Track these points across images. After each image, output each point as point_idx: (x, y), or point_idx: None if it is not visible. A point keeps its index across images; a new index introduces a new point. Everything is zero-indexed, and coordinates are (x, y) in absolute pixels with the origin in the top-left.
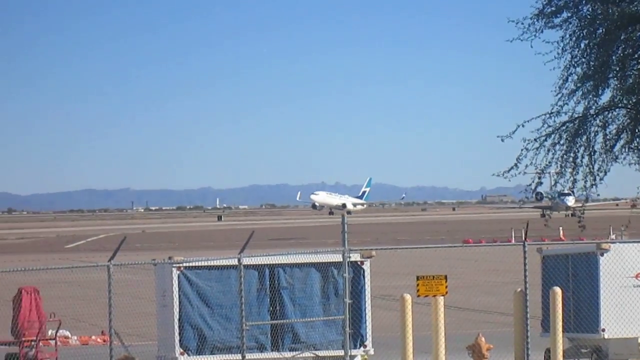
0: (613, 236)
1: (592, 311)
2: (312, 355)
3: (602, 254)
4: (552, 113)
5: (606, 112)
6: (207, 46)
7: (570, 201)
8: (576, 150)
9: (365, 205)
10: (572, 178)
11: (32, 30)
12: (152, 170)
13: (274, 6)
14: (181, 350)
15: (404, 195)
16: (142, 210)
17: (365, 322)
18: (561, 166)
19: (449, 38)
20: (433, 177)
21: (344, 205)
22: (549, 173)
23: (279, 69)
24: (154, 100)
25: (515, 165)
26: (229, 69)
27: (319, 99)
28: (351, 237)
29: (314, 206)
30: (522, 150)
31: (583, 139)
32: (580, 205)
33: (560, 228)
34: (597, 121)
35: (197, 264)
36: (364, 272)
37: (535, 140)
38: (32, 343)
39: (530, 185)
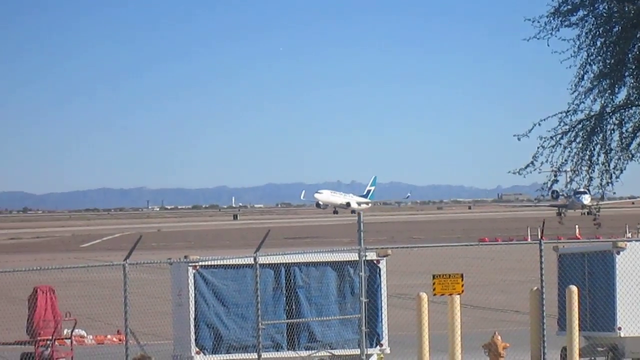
0: (629, 234)
1: (608, 309)
2: (328, 354)
3: (618, 253)
4: (568, 111)
5: (622, 110)
6: (220, 43)
7: (586, 199)
8: (592, 149)
9: (369, 204)
10: (588, 176)
11: (43, 26)
12: (167, 169)
13: (287, 1)
14: (197, 350)
15: (408, 194)
16: (158, 209)
17: (382, 321)
18: (577, 164)
19: (465, 37)
20: (449, 176)
21: (348, 204)
22: (565, 171)
23: (295, 67)
24: (169, 98)
25: (532, 163)
26: (244, 66)
27: (335, 97)
28: (367, 235)
29: (317, 205)
30: (538, 148)
31: (599, 137)
32: (596, 203)
33: (577, 226)
34: (613, 119)
35: (213, 262)
36: (380, 270)
37: (551, 138)
38: (48, 342)
39: (546, 183)
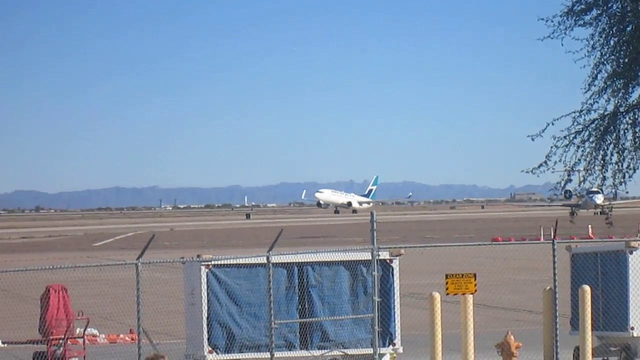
0: None
1: (621, 309)
2: (340, 353)
3: (631, 252)
4: (581, 111)
5: (636, 110)
6: (233, 41)
7: (599, 199)
8: (605, 148)
9: (371, 204)
10: (601, 175)
11: (46, 24)
12: (180, 168)
13: None
14: (210, 349)
15: (410, 194)
16: (171, 208)
17: (394, 321)
18: (590, 163)
19: (479, 37)
20: (462, 176)
21: (349, 204)
22: (578, 170)
23: (310, 66)
24: (183, 97)
25: (545, 162)
26: (259, 65)
27: (349, 96)
28: (380, 235)
29: (318, 204)
30: (551, 147)
31: (612, 137)
32: (608, 203)
33: (589, 226)
34: (627, 119)
35: (225, 262)
36: (392, 270)
37: (564, 137)
38: (60, 341)
39: (559, 182)
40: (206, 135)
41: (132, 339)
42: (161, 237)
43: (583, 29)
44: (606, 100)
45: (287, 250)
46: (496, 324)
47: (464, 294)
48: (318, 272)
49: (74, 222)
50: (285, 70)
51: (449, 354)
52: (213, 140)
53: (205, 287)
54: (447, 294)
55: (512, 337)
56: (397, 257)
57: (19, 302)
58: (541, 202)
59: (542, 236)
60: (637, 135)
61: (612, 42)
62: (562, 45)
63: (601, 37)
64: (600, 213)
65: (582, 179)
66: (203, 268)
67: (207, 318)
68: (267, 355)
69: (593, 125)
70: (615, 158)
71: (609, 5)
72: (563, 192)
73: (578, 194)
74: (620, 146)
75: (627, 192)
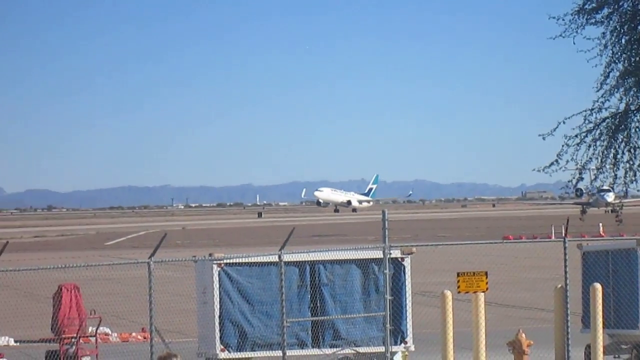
0: None
1: (632, 307)
2: (352, 351)
3: None
4: (593, 109)
5: None
6: (242, 39)
7: (610, 197)
8: (617, 147)
9: (371, 203)
10: (612, 174)
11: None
12: (192, 167)
13: None
14: (222, 347)
15: (410, 192)
16: (182, 207)
17: (406, 319)
18: (601, 162)
19: (491, 34)
20: (473, 174)
21: (349, 202)
22: (589, 169)
23: (323, 64)
24: (194, 96)
25: (556, 161)
26: (269, 63)
27: (361, 94)
28: (391, 233)
29: (318, 203)
30: (562, 146)
31: (624, 135)
32: (619, 201)
33: (600, 224)
34: (638, 117)
35: (237, 260)
36: (404, 268)
37: (576, 136)
38: (73, 340)
39: (570, 181)
40: (218, 133)
41: (145, 338)
42: (173, 236)
43: (594, 28)
44: (619, 100)
45: (299, 248)
46: (507, 322)
47: (475, 292)
48: (330, 270)
49: (86, 221)
50: (297, 69)
51: (461, 352)
52: (224, 138)
53: (217, 285)
54: (459, 292)
55: (523, 335)
56: (409, 256)
57: (32, 301)
58: (552, 201)
59: (553, 234)
60: None
61: (623, 41)
62: (574, 44)
63: (612, 35)
64: (611, 211)
65: (593, 177)
66: (215, 267)
67: (219, 316)
68: (279, 353)
69: (604, 124)
70: (626, 156)
71: (620, 3)
72: (574, 191)
73: (589, 192)
74: (631, 144)
75: (638, 191)
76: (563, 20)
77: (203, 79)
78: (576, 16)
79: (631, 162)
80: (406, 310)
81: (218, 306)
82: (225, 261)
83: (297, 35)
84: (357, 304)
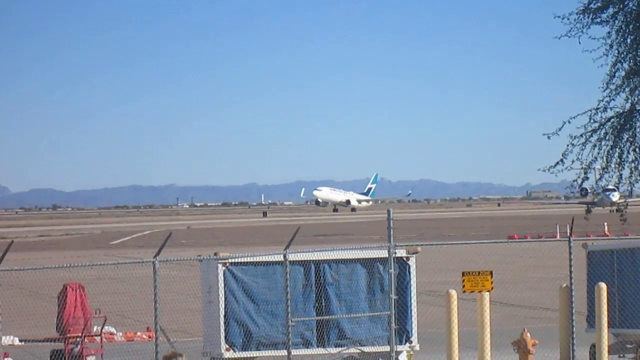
0: None
1: (637, 306)
2: (357, 351)
3: None
4: (598, 109)
5: None
6: (247, 39)
7: (615, 196)
8: (622, 146)
9: (370, 202)
10: (617, 173)
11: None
12: (197, 166)
13: None
14: (227, 346)
15: (410, 191)
16: (187, 206)
17: (411, 318)
18: (607, 161)
19: (496, 34)
20: (478, 173)
21: (348, 202)
22: (594, 168)
23: (329, 62)
24: (198, 98)
25: (561, 160)
26: (273, 62)
27: (367, 94)
28: (396, 233)
29: (317, 202)
30: (567, 145)
31: (629, 134)
32: (624, 200)
33: (605, 223)
34: None
35: (242, 260)
36: (409, 267)
37: (581, 135)
38: (78, 339)
39: (576, 180)
40: (223, 133)
41: (150, 337)
42: (178, 235)
43: (600, 27)
44: (624, 99)
45: (304, 248)
46: (512, 322)
47: (480, 291)
48: (335, 269)
49: (91, 220)
50: (303, 67)
51: (466, 351)
52: (230, 138)
53: (222, 284)
54: (464, 291)
55: (528, 334)
56: (414, 255)
57: (37, 300)
58: (557, 200)
59: (558, 234)
60: None
61: (628, 40)
62: (580, 43)
63: (618, 35)
64: (616, 211)
65: (598, 176)
66: (220, 266)
67: (224, 316)
68: (284, 352)
69: (609, 124)
70: (631, 156)
71: (625, 3)
72: (579, 190)
73: (594, 192)
74: (636, 144)
75: None
76: (568, 19)
77: (209, 78)
78: (581, 15)
79: (636, 162)
80: (411, 310)
81: (223, 305)
82: (230, 260)
83: (304, 33)
84: (362, 303)
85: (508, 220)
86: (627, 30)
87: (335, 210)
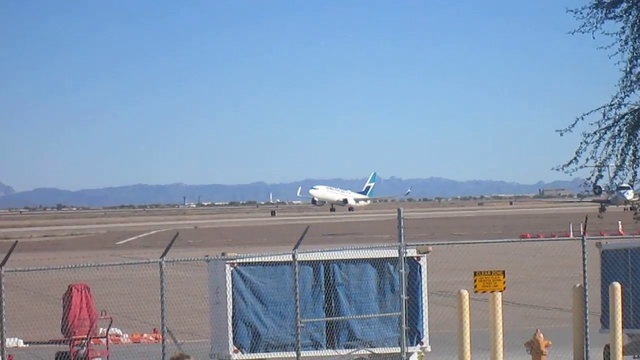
0: None
1: None
2: (368, 352)
3: None
4: (612, 105)
5: None
6: (255, 39)
7: (630, 195)
8: (636, 143)
9: (368, 201)
10: (632, 171)
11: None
12: (204, 165)
13: None
14: (235, 348)
15: (409, 190)
16: (194, 205)
17: (422, 319)
18: (621, 159)
19: (508, 30)
20: (490, 171)
21: (345, 201)
22: (608, 166)
23: (333, 60)
24: (205, 96)
25: (575, 159)
26: (280, 61)
27: (375, 92)
28: (407, 232)
29: (313, 201)
30: (581, 143)
31: None
32: (638, 198)
33: (619, 222)
34: None
35: (250, 260)
36: (420, 267)
37: (594, 133)
38: (83, 341)
39: (589, 178)
40: (231, 131)
41: (156, 339)
42: (185, 235)
43: (613, 23)
44: None
45: (313, 247)
46: (525, 322)
47: (492, 291)
48: (344, 269)
49: (96, 220)
50: (311, 65)
51: (478, 352)
52: (237, 136)
53: (230, 285)
54: (476, 291)
55: (541, 335)
56: (425, 255)
57: (41, 302)
58: (570, 198)
59: (571, 232)
60: None
61: None
62: (594, 38)
63: (632, 30)
64: (630, 209)
65: (612, 174)
66: (228, 266)
67: (232, 317)
68: (293, 354)
69: (623, 120)
70: None
71: None
72: (593, 188)
73: (608, 190)
74: None
75: None
76: (581, 13)
77: (216, 76)
78: (595, 10)
79: None
80: (422, 310)
81: (231, 306)
82: (238, 261)
83: (313, 30)
84: (373, 304)
85: (520, 219)
86: None
87: (332, 209)
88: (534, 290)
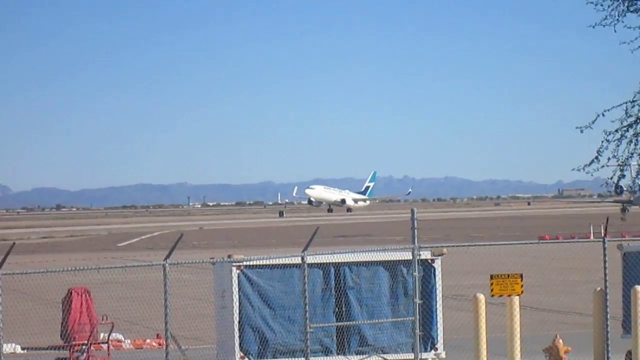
0: None
1: None
2: (380, 358)
3: None
4: (634, 101)
5: None
6: (260, 41)
7: None
8: None
9: (367, 202)
10: None
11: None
12: (209, 163)
13: None
14: (241, 354)
15: (410, 190)
16: (199, 206)
17: (436, 324)
18: None
19: (526, 26)
20: (507, 171)
21: (343, 201)
22: (631, 165)
23: (342, 58)
24: (212, 92)
25: (596, 158)
26: (286, 58)
27: (385, 91)
28: (421, 233)
29: (309, 202)
30: (602, 142)
31: None
32: None
33: None
34: None
35: (258, 262)
36: (434, 270)
37: (616, 131)
38: (83, 347)
39: (611, 178)
40: (237, 128)
41: (160, 345)
42: (190, 237)
43: (636, 17)
44: None
45: (323, 249)
46: (544, 327)
47: (509, 295)
48: (356, 272)
49: (97, 221)
50: (320, 63)
51: (494, 358)
52: (244, 134)
53: (237, 289)
54: (492, 295)
55: (560, 340)
56: (439, 257)
57: (40, 306)
58: (591, 199)
59: (591, 234)
60: None
61: None
62: (615, 32)
63: None
64: None
65: (635, 174)
66: (234, 269)
67: (239, 322)
68: None
69: None
70: None
71: None
72: (614, 188)
73: (630, 190)
74: None
75: None
76: (602, 6)
77: (222, 70)
78: (616, 2)
79: None
80: (436, 315)
81: (237, 311)
82: (245, 263)
83: (321, 29)
84: (385, 308)
85: (539, 220)
86: None
87: (329, 210)
88: (552, 294)
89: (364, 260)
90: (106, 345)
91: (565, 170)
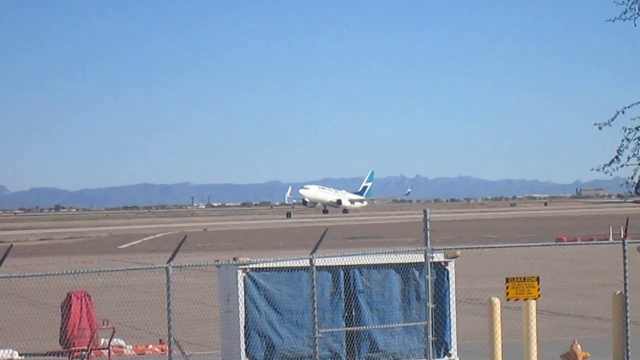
0: None
1: None
2: None
3: None
4: None
5: None
6: (267, 39)
7: None
8: None
9: (364, 203)
10: None
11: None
12: (214, 162)
13: None
14: None
15: (409, 190)
16: (204, 206)
17: (450, 329)
18: None
19: (542, 23)
20: (523, 170)
21: (339, 202)
22: None
23: (352, 56)
24: (216, 90)
25: (617, 157)
26: (292, 58)
27: (398, 89)
28: (434, 235)
29: (304, 202)
30: (622, 141)
31: None
32: None
33: None
34: None
35: (264, 265)
36: (448, 273)
37: (636, 128)
38: (83, 353)
39: (632, 177)
40: (242, 128)
41: (162, 350)
42: (194, 238)
43: None
44: None
45: (332, 252)
46: (561, 332)
47: (526, 299)
48: (366, 275)
49: (97, 222)
50: (326, 61)
51: None
52: (250, 132)
53: (243, 292)
54: (508, 299)
55: (579, 346)
56: (453, 259)
57: (38, 311)
58: (610, 199)
59: (611, 236)
60: None
61: None
62: (635, 26)
63: None
64: None
65: None
66: (240, 272)
67: (245, 327)
68: None
69: None
70: None
71: None
72: (635, 188)
73: None
74: None
75: None
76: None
77: (224, 72)
78: None
79: None
80: (450, 320)
81: (243, 315)
82: (251, 266)
83: (329, 28)
84: (396, 312)
85: (556, 221)
86: None
87: (325, 211)
88: (570, 297)
89: (375, 262)
90: (107, 351)
91: (584, 170)
